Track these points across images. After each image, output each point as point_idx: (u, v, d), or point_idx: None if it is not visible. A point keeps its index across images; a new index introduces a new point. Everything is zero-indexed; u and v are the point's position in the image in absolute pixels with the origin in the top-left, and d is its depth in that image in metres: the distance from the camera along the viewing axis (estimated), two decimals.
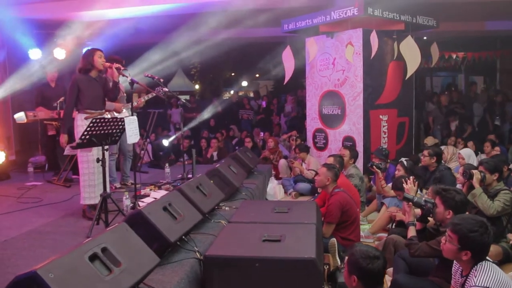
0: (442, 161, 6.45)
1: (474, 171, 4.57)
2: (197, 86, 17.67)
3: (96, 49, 4.82)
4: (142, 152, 8.25)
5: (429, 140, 8.30)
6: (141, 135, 5.78)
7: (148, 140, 9.04)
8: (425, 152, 5.94)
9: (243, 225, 3.87)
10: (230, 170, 5.61)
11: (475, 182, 4.49)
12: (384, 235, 5.00)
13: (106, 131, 4.16)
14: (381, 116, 7.73)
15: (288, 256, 3.09)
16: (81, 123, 4.62)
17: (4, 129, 8.96)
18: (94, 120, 3.98)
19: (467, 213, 3.55)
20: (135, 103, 6.11)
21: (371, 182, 6.99)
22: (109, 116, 5.04)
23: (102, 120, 4.07)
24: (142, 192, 5.69)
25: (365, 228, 5.52)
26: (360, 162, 7.30)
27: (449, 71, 15.43)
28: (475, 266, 2.62)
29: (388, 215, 5.20)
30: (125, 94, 6.30)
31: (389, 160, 6.89)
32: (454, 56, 12.17)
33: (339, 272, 3.82)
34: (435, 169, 5.91)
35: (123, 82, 6.11)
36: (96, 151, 4.46)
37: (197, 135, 11.52)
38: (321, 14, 7.67)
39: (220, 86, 19.61)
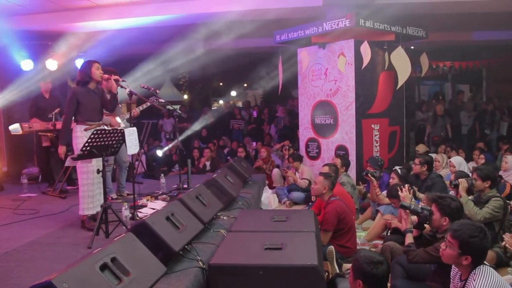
0: (434, 169, 6.58)
1: (460, 180, 4.70)
2: (185, 96, 17.70)
3: (94, 61, 4.86)
4: (137, 162, 8.27)
5: (421, 148, 8.44)
6: None
7: (142, 150, 9.06)
8: (416, 161, 6.05)
9: (244, 234, 3.93)
10: (227, 180, 5.67)
11: (461, 190, 4.63)
12: (380, 242, 5.09)
13: (106, 143, 4.21)
14: (373, 125, 7.86)
15: (290, 264, 3.15)
16: (81, 134, 4.66)
17: None
18: (95, 132, 4.03)
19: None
20: (128, 115, 6.16)
21: (365, 189, 7.08)
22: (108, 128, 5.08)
23: (102, 132, 4.12)
24: (139, 202, 5.71)
25: (360, 235, 5.59)
26: (353, 171, 7.40)
27: (436, 80, 15.69)
28: (474, 270, 2.70)
29: (383, 223, 5.29)
30: (120, 105, 6.33)
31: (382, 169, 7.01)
32: (441, 65, 12.40)
33: (338, 279, 3.89)
34: (427, 177, 6.02)
35: (120, 93, 6.17)
36: (95, 162, 4.50)
37: (188, 145, 11.56)
38: (313, 25, 7.79)
39: (209, 96, 19.66)
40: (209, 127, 12.64)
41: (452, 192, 4.91)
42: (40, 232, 4.63)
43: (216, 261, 3.22)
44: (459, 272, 2.88)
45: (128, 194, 6.35)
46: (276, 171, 8.80)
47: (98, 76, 4.77)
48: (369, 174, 6.07)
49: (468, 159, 8.04)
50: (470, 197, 4.75)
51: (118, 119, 6.02)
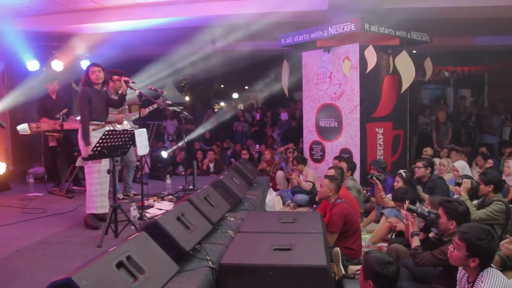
0: (439, 173, 6.64)
1: (464, 180, 4.77)
2: (187, 98, 17.72)
3: (91, 65, 4.95)
4: (142, 163, 8.31)
5: (429, 150, 8.50)
6: None
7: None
8: (420, 164, 6.10)
9: (253, 235, 3.99)
10: (233, 182, 5.73)
11: (462, 189, 4.72)
12: (384, 245, 5.13)
13: (117, 143, 4.27)
14: (377, 129, 7.92)
15: (300, 264, 3.21)
16: (91, 134, 4.74)
17: (2, 140, 8.98)
18: (106, 132, 4.09)
19: None
20: (136, 115, 6.23)
21: (368, 193, 7.13)
22: (110, 127, 5.15)
23: (113, 132, 4.18)
24: (146, 203, 5.76)
25: (365, 238, 5.64)
26: (357, 174, 7.45)
27: (438, 84, 15.72)
28: (481, 273, 2.75)
29: (388, 225, 5.34)
30: (126, 106, 6.39)
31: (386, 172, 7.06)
32: (444, 70, 12.44)
33: (345, 280, 3.94)
34: (428, 179, 6.09)
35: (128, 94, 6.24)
36: (105, 161, 4.57)
37: (190, 147, 11.60)
38: (318, 29, 7.86)
39: (211, 98, 19.70)
40: (212, 129, 12.69)
41: (456, 196, 4.96)
42: (49, 231, 4.68)
43: (226, 261, 3.28)
44: (466, 274, 2.93)
45: (134, 195, 6.41)
46: (280, 173, 8.85)
47: (95, 79, 4.85)
48: (374, 177, 6.12)
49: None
50: (475, 201, 4.81)
51: (123, 117, 6.07)
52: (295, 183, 8.03)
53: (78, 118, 6.63)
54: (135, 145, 4.69)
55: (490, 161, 7.65)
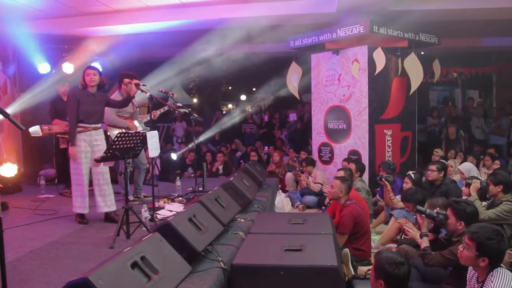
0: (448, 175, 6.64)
1: (474, 180, 4.79)
2: (195, 100, 17.81)
3: (86, 68, 5.06)
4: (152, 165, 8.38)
5: (440, 151, 8.50)
6: None
7: None
8: (433, 167, 6.05)
9: (263, 236, 4.03)
10: (243, 183, 5.76)
11: (472, 189, 4.76)
12: (393, 246, 5.14)
13: (129, 145, 4.32)
14: (385, 131, 7.94)
15: (311, 264, 3.24)
16: (77, 136, 4.91)
17: (13, 142, 9.10)
18: (119, 134, 4.15)
19: None
20: (148, 117, 6.29)
21: (377, 195, 7.14)
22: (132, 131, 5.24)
23: (126, 135, 4.24)
24: (157, 204, 5.81)
25: (374, 239, 5.65)
26: (365, 176, 7.46)
27: (446, 85, 15.71)
28: (491, 272, 2.77)
29: (397, 226, 5.35)
30: (138, 109, 6.46)
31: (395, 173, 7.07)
32: (452, 71, 12.44)
33: (355, 281, 3.96)
34: (441, 183, 6.06)
35: (137, 96, 6.30)
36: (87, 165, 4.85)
37: (199, 149, 11.66)
38: (327, 31, 7.89)
39: (219, 100, 19.76)
40: (221, 131, 12.75)
41: (464, 197, 4.97)
42: (61, 232, 4.75)
43: (238, 262, 3.32)
44: (476, 274, 2.95)
45: (145, 196, 6.47)
46: (289, 175, 8.87)
47: (89, 81, 4.94)
48: (383, 179, 6.14)
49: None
50: (485, 203, 4.82)
51: (136, 122, 6.15)
52: (304, 185, 8.05)
53: None
54: (146, 147, 4.75)
55: (497, 162, 7.64)
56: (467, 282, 3.08)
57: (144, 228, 4.46)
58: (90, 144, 4.95)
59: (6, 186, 7.03)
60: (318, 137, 8.82)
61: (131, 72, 5.79)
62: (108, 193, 5.04)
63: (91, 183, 5.12)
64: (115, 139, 4.12)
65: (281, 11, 7.98)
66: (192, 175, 8.35)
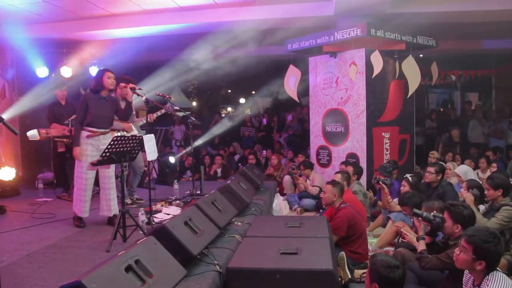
0: (445, 177, 6.63)
1: (466, 194, 4.76)
2: (194, 103, 17.81)
3: (106, 70, 5.02)
4: (151, 168, 8.38)
5: (436, 153, 8.50)
6: None
7: None
8: (432, 169, 6.05)
9: (259, 239, 4.02)
10: (241, 187, 5.75)
11: (469, 203, 4.67)
12: (391, 249, 5.14)
13: (125, 149, 4.32)
14: (383, 134, 7.94)
15: (306, 268, 3.23)
16: (83, 140, 4.88)
17: (11, 146, 9.10)
18: (115, 138, 4.15)
19: None
20: (144, 121, 6.29)
21: (376, 197, 7.14)
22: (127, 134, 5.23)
23: (122, 138, 4.24)
24: (154, 208, 5.80)
25: (372, 242, 5.65)
26: (363, 178, 7.45)
27: (445, 88, 15.73)
28: (487, 276, 2.76)
29: (394, 230, 5.35)
30: (134, 112, 6.45)
31: (395, 175, 7.06)
32: (451, 74, 12.45)
33: (352, 284, 3.96)
34: (438, 185, 6.06)
35: (134, 100, 6.30)
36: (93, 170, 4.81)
37: (197, 152, 11.66)
38: (325, 34, 7.89)
39: (218, 103, 19.77)
40: (220, 134, 12.73)
41: (462, 198, 4.97)
42: (59, 235, 4.74)
43: (234, 265, 3.32)
44: (472, 278, 2.94)
45: (137, 199, 6.45)
46: (287, 178, 8.86)
47: (109, 85, 4.92)
48: (380, 182, 6.13)
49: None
50: (483, 206, 4.80)
51: (131, 125, 6.14)
52: (302, 188, 8.04)
53: None
54: (143, 151, 4.75)
55: (494, 165, 7.63)
56: (463, 286, 3.07)
57: (141, 232, 4.46)
58: (97, 148, 4.88)
59: (4, 189, 7.05)
60: (316, 140, 8.82)
61: (127, 76, 5.79)
62: (112, 198, 5.03)
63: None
64: (111, 142, 4.13)
65: (279, 14, 8.00)
66: (190, 179, 8.35)
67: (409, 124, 8.48)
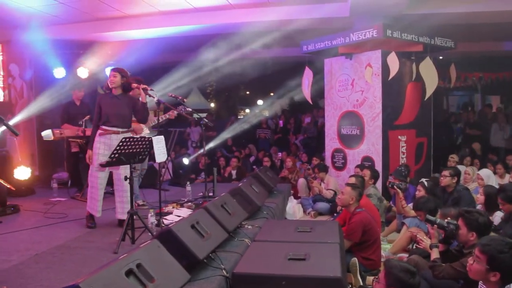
0: (463, 182, 6.47)
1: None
2: (212, 105, 17.85)
3: (112, 69, 5.06)
4: (163, 170, 8.38)
5: (455, 157, 8.31)
6: None
7: (169, 158, 9.18)
8: (446, 173, 5.92)
9: (268, 243, 3.94)
10: (252, 189, 5.68)
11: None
12: (405, 255, 5.01)
13: (134, 150, 4.29)
14: (399, 137, 7.80)
15: (314, 275, 3.14)
16: (96, 139, 4.90)
17: (28, 145, 9.21)
18: (123, 139, 4.12)
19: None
20: (155, 121, 6.27)
21: (390, 202, 7.00)
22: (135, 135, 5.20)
23: (131, 139, 4.21)
24: (165, 209, 5.78)
25: (385, 248, 5.52)
26: (379, 182, 7.32)
27: (465, 91, 15.44)
28: None
29: (408, 235, 5.22)
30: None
31: (409, 179, 6.92)
32: (471, 76, 12.20)
33: None
34: (453, 190, 5.92)
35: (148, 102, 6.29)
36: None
37: (213, 153, 11.65)
38: (340, 35, 7.78)
39: (236, 105, 19.77)
40: (235, 136, 12.71)
41: (479, 206, 4.82)
42: (69, 236, 4.74)
43: (239, 270, 3.25)
44: None
45: (139, 205, 6.30)
46: (301, 181, 8.76)
47: (110, 82, 4.92)
48: (395, 186, 6.00)
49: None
50: (501, 214, 4.64)
51: (143, 126, 6.11)
52: (316, 191, 7.95)
53: None
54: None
55: None
56: None
57: (149, 234, 4.42)
58: (110, 148, 4.74)
59: (19, 189, 7.10)
60: (331, 142, 8.71)
61: (139, 77, 5.78)
62: (126, 200, 4.91)
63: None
64: (120, 143, 4.10)
65: (294, 15, 7.92)
66: (205, 180, 8.30)
67: (427, 127, 8.32)
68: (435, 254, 3.64)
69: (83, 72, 8.94)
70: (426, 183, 5.71)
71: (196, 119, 8.72)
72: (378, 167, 7.54)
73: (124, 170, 4.82)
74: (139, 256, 2.69)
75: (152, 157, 5.01)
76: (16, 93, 9.20)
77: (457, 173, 5.98)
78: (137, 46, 9.33)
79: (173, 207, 5.97)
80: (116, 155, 4.14)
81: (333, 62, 8.50)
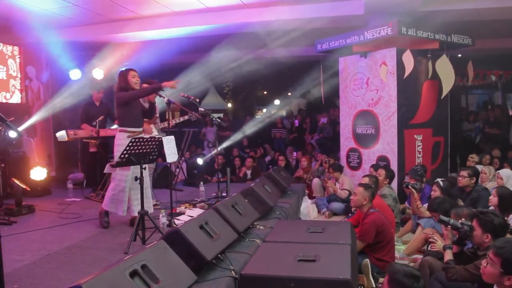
0: (480, 181, 6.32)
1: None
2: (229, 105, 17.87)
3: (129, 69, 5.02)
4: (177, 170, 8.39)
5: (475, 157, 8.14)
6: None
7: (183, 158, 9.19)
8: (464, 173, 5.79)
9: (278, 244, 3.90)
10: (265, 189, 5.65)
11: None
12: (420, 256, 4.93)
13: (145, 150, 4.29)
14: (415, 136, 7.67)
15: (323, 277, 3.09)
16: (124, 142, 4.75)
17: (45, 146, 9.33)
18: (133, 140, 4.12)
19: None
20: (166, 124, 6.26)
21: (406, 203, 6.89)
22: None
23: (140, 140, 4.21)
24: (177, 210, 5.78)
25: (400, 249, 5.44)
26: (394, 182, 7.20)
27: (485, 89, 15.14)
28: None
29: (423, 237, 5.12)
30: (157, 115, 6.44)
31: (424, 179, 6.79)
32: (490, 74, 11.94)
33: None
34: (471, 190, 5.79)
35: (159, 104, 6.30)
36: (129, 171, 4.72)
37: (229, 153, 11.64)
38: (354, 34, 7.70)
39: (253, 105, 19.74)
40: (251, 136, 12.67)
41: (491, 207, 4.69)
42: (81, 236, 4.78)
43: (247, 271, 3.21)
44: None
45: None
46: (316, 181, 8.68)
47: (133, 84, 4.90)
48: (409, 186, 5.89)
49: None
50: None
51: (152, 126, 6.12)
52: (331, 191, 7.86)
53: (114, 126, 6.81)
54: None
55: None
56: None
57: (161, 234, 4.41)
58: None
59: (35, 189, 7.19)
60: (346, 142, 8.61)
61: (152, 79, 5.78)
62: (145, 197, 4.90)
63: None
64: (130, 144, 4.10)
65: (308, 14, 7.85)
66: (220, 180, 8.29)
67: (444, 126, 8.17)
68: (448, 255, 3.56)
69: (98, 73, 9.02)
70: (441, 183, 5.60)
71: (208, 119, 8.74)
72: (394, 166, 7.42)
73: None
74: (145, 257, 2.67)
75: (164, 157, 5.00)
76: (33, 95, 9.33)
77: (475, 174, 5.85)
78: (152, 47, 9.37)
79: (185, 208, 5.96)
80: (126, 156, 4.15)
81: (348, 61, 8.41)
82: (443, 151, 8.11)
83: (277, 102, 17.94)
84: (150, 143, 4.30)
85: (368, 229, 4.65)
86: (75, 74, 8.88)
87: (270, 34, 8.94)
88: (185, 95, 5.74)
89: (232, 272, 3.35)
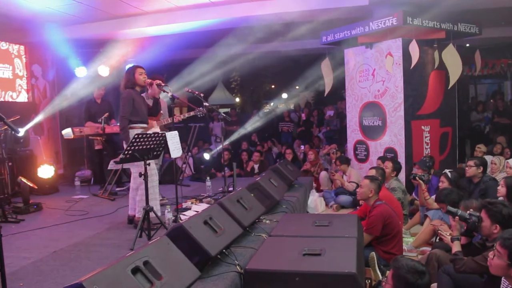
0: (488, 172, 6.24)
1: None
2: (237, 99, 17.84)
3: (137, 66, 5.01)
4: (184, 165, 8.39)
5: (483, 147, 8.04)
6: (182, 149, 5.90)
7: (189, 153, 9.18)
8: (471, 163, 5.71)
9: (284, 238, 3.88)
10: (271, 183, 5.62)
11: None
12: (428, 249, 4.87)
13: (148, 146, 4.27)
14: (423, 127, 7.59)
15: (328, 271, 3.06)
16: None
17: (53, 144, 9.37)
18: (136, 136, 4.11)
19: None
20: (170, 120, 6.23)
21: (413, 194, 6.82)
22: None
23: (144, 136, 4.19)
24: (184, 205, 5.77)
25: (408, 241, 5.38)
26: (402, 174, 7.14)
27: (494, 78, 14.94)
28: None
29: (431, 229, 5.05)
30: (162, 112, 6.41)
31: (432, 171, 6.72)
32: (499, 64, 11.78)
33: (381, 287, 3.75)
34: (480, 181, 5.70)
35: (164, 99, 6.27)
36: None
37: (236, 147, 11.61)
38: (359, 25, 7.61)
39: (261, 99, 19.68)
40: (258, 130, 12.64)
41: (500, 198, 4.61)
42: (87, 233, 4.79)
43: (252, 266, 3.20)
44: (510, 286, 2.68)
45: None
46: (323, 174, 8.64)
47: (141, 81, 4.90)
48: (417, 178, 5.83)
49: None
50: None
51: (154, 123, 6.10)
52: (338, 184, 7.81)
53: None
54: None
55: None
56: None
57: (166, 230, 4.40)
58: None
59: (43, 187, 7.23)
60: (353, 134, 8.55)
61: (158, 75, 5.76)
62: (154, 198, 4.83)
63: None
64: (133, 140, 4.08)
65: (312, 5, 7.76)
66: (226, 175, 8.28)
67: (451, 116, 8.07)
68: (456, 247, 3.49)
69: (104, 71, 9.02)
70: (449, 174, 5.52)
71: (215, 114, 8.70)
72: (401, 158, 7.35)
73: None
74: (147, 253, 2.66)
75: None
76: (39, 93, 9.36)
77: (483, 163, 5.76)
78: (157, 43, 9.35)
79: (192, 203, 5.95)
80: (130, 152, 4.13)
81: (353, 52, 8.32)
82: (451, 141, 8.01)
83: (284, 95, 17.89)
84: (153, 138, 4.29)
85: (375, 221, 4.60)
86: (81, 71, 8.90)
87: (275, 27, 8.87)
88: (190, 90, 5.71)
89: (237, 267, 3.34)
